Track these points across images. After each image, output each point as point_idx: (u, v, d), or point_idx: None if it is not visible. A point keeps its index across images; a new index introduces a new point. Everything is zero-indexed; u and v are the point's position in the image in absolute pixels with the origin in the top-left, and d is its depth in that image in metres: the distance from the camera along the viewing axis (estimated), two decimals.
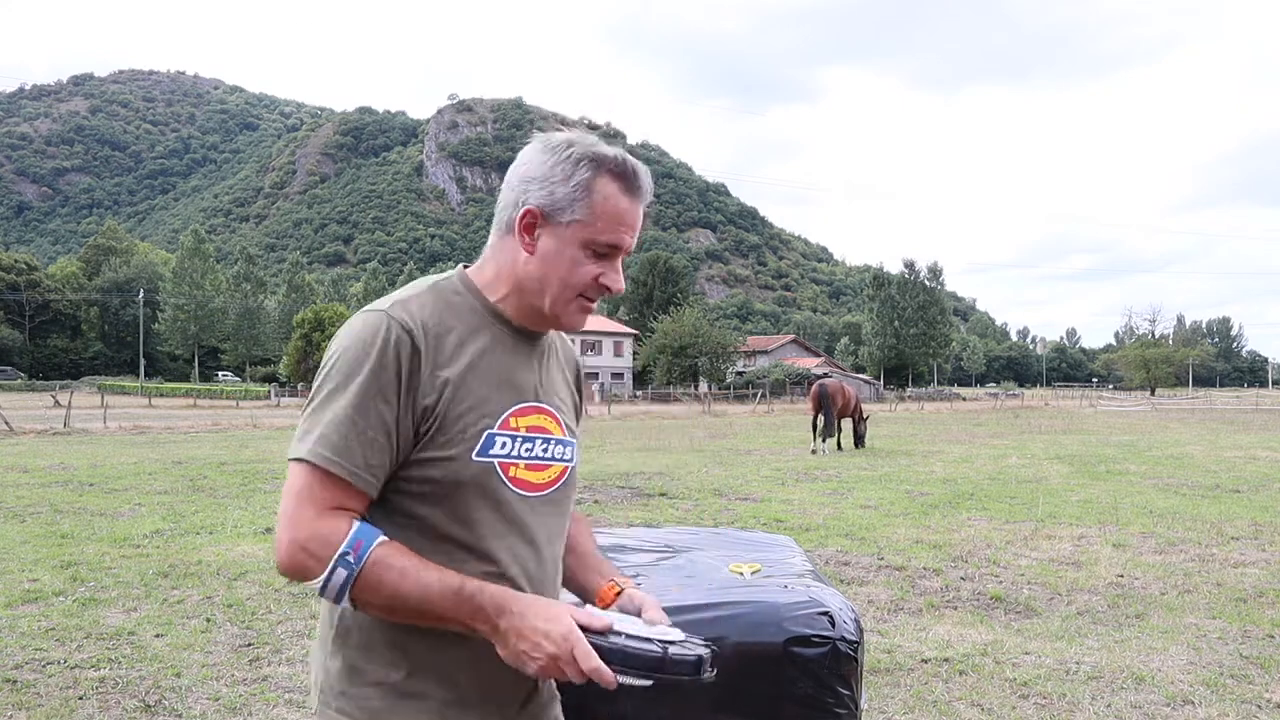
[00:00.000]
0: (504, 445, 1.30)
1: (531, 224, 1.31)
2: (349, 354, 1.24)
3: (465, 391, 1.28)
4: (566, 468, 1.40)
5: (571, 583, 1.50)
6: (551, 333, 1.45)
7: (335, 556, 1.17)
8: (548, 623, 1.19)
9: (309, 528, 1.19)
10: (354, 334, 1.25)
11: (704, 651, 1.21)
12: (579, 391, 1.54)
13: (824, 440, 17.13)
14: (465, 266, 1.41)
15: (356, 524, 1.20)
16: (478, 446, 1.28)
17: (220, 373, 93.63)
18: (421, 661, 1.28)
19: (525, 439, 1.33)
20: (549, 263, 1.31)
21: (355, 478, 1.22)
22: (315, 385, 1.27)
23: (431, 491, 1.27)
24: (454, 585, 1.20)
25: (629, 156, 1.33)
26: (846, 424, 18.19)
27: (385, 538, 1.21)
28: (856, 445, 17.82)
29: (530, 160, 1.33)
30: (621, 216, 1.31)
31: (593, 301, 1.34)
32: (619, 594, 1.44)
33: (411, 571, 1.19)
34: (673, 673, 1.20)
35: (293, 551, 1.19)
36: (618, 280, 1.34)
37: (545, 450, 1.36)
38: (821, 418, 17.14)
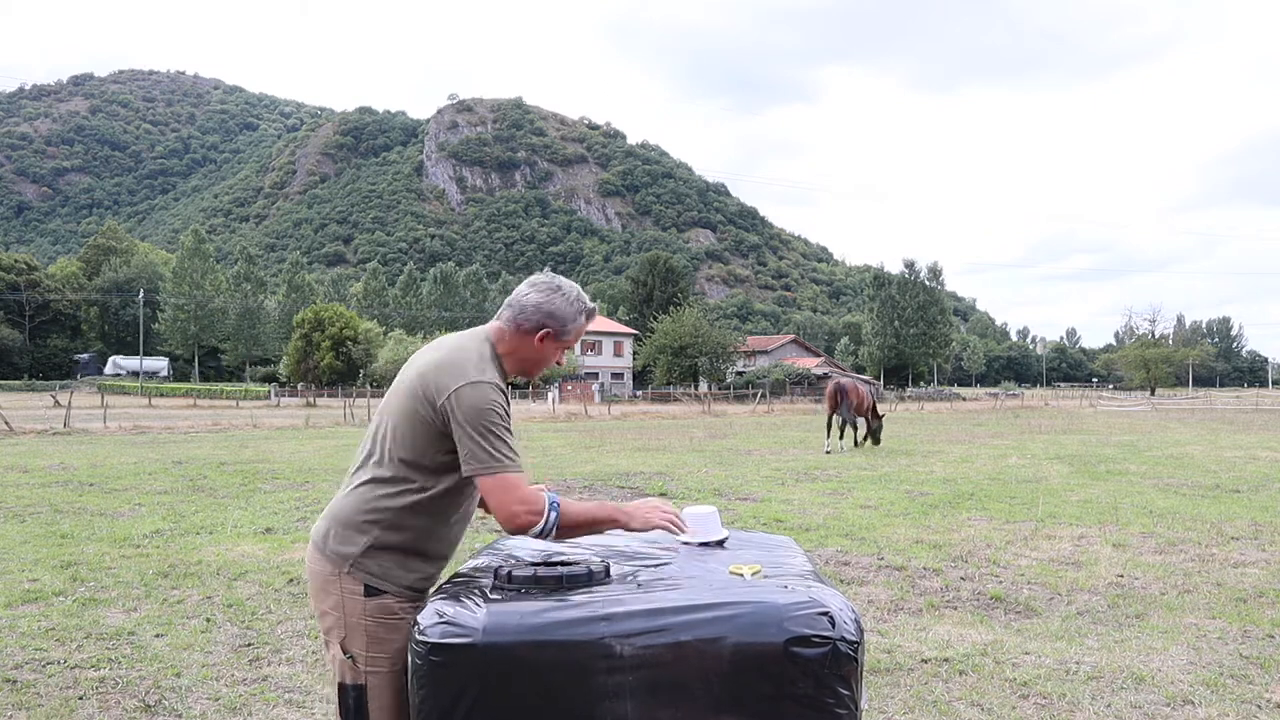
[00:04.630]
0: None
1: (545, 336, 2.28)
2: None
3: None
4: None
5: None
6: None
7: (549, 507, 2.11)
8: (640, 508, 2.31)
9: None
10: None
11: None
12: None
13: (840, 437, 17.23)
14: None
15: (544, 491, 2.16)
16: None
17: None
18: (417, 556, 2.21)
19: None
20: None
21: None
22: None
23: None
24: (595, 504, 2.24)
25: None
26: (861, 422, 18.27)
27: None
28: (874, 442, 17.86)
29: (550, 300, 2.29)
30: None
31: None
32: None
33: (575, 503, 2.17)
34: None
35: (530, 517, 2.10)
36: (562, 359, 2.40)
37: None
38: (838, 415, 17.17)
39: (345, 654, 2.16)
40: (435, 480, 2.17)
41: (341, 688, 2.19)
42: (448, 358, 2.19)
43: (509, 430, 2.15)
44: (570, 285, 2.31)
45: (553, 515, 2.10)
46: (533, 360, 2.29)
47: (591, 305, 2.33)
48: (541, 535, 2.11)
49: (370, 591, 2.15)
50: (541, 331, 2.25)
